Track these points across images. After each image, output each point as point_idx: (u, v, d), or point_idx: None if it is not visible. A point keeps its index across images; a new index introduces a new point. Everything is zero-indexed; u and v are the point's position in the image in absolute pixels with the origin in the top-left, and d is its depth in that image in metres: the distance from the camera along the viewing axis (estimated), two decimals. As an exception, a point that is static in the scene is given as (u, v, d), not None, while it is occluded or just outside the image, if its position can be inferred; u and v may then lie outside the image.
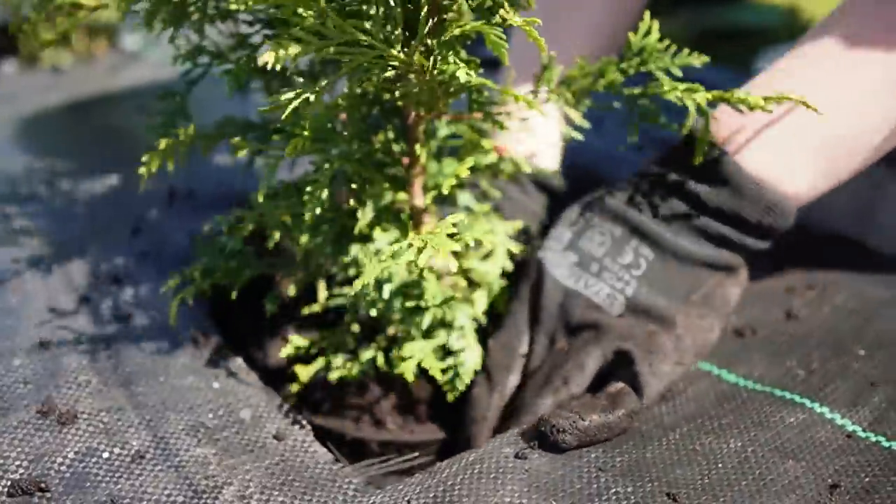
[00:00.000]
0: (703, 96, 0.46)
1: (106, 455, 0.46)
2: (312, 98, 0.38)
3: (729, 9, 1.36)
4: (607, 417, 0.45)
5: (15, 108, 1.01)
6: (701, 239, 0.52)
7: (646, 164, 0.55)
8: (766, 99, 0.45)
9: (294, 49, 0.34)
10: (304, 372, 0.54)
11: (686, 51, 0.48)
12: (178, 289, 0.53)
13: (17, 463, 0.45)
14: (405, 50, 0.38)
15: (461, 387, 0.53)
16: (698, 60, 0.48)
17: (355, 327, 0.56)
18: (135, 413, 0.50)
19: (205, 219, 0.71)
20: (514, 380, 0.52)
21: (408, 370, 0.50)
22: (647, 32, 0.47)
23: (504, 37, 0.41)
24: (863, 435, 0.45)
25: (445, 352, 0.53)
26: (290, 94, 0.38)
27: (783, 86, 0.49)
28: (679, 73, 0.48)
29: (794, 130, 0.50)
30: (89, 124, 0.96)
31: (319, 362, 0.55)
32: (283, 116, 0.39)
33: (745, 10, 1.37)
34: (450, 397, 0.54)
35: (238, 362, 0.55)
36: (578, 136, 0.54)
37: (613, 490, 0.42)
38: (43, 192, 0.78)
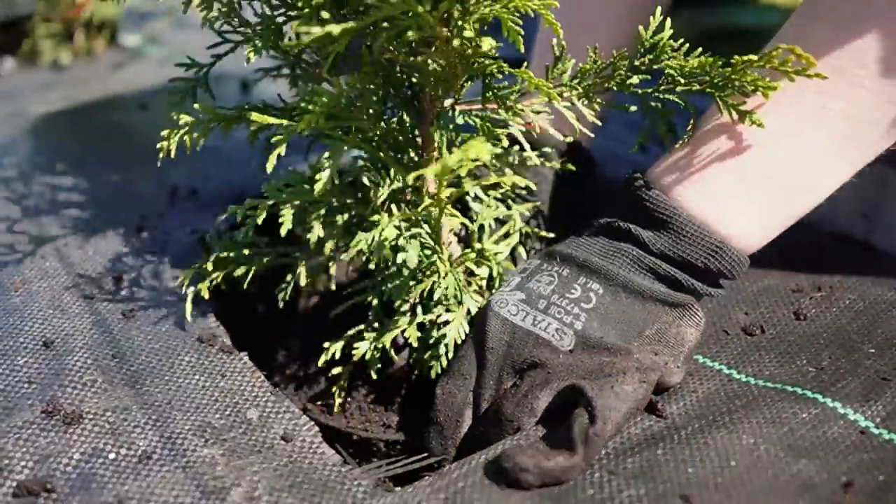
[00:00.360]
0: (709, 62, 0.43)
1: (112, 456, 0.45)
2: (337, 31, 0.37)
3: (730, 9, 1.36)
4: (572, 460, 0.42)
5: (15, 106, 1.00)
6: (652, 278, 0.50)
7: (594, 221, 0.53)
8: (768, 61, 0.42)
9: None
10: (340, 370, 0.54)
11: (699, 50, 0.47)
12: (192, 282, 0.53)
13: (23, 464, 0.44)
14: (433, 12, 0.38)
15: (441, 364, 0.52)
16: (711, 60, 0.47)
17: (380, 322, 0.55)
18: (141, 413, 0.49)
19: (208, 218, 0.71)
20: (465, 426, 0.50)
21: (387, 340, 0.50)
22: (660, 28, 0.47)
23: (520, 21, 0.41)
24: (876, 431, 0.45)
25: (431, 326, 0.53)
26: (317, 29, 0.38)
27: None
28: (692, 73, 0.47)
29: (737, 170, 0.48)
30: (90, 122, 0.95)
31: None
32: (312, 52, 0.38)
33: (746, 11, 1.37)
34: (431, 374, 0.53)
35: (245, 360, 0.55)
36: (589, 134, 0.54)
37: (626, 493, 0.41)
38: (44, 192, 0.77)
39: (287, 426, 0.49)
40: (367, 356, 0.52)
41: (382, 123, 0.49)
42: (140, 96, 1.01)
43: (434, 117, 0.50)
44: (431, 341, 0.53)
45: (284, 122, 0.45)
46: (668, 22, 0.47)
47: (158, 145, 0.47)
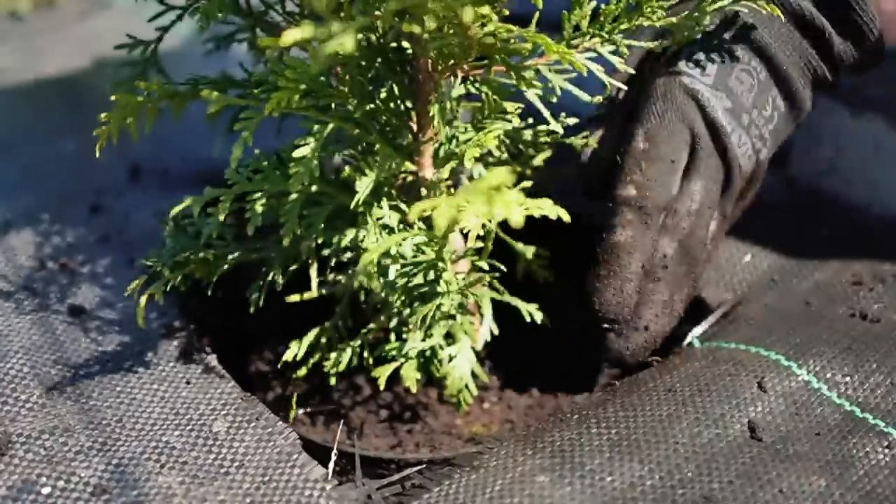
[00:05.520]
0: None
1: (46, 490, 0.38)
2: (348, 43, 0.29)
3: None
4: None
5: (-37, 61, 0.89)
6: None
7: None
8: None
9: None
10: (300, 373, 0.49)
11: None
12: (145, 285, 0.45)
13: (-67, 504, 0.37)
14: None
15: (466, 400, 0.46)
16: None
17: (345, 321, 0.50)
18: (85, 435, 0.42)
19: (173, 196, 0.62)
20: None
21: (383, 376, 0.44)
22: None
23: None
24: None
25: (432, 355, 0.47)
26: (310, 29, 0.29)
27: None
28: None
29: None
30: (44, 80, 0.85)
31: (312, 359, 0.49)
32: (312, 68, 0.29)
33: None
34: (459, 411, 0.47)
35: (212, 363, 0.48)
36: (622, 87, 0.45)
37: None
38: (-12, 160, 0.68)
39: (261, 436, 0.42)
40: (336, 366, 0.47)
41: (370, 101, 0.40)
42: (103, 51, 0.90)
43: (432, 91, 0.41)
44: (436, 372, 0.47)
45: (248, 102, 0.36)
46: None
47: (95, 132, 0.39)
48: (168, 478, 0.39)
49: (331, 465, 0.44)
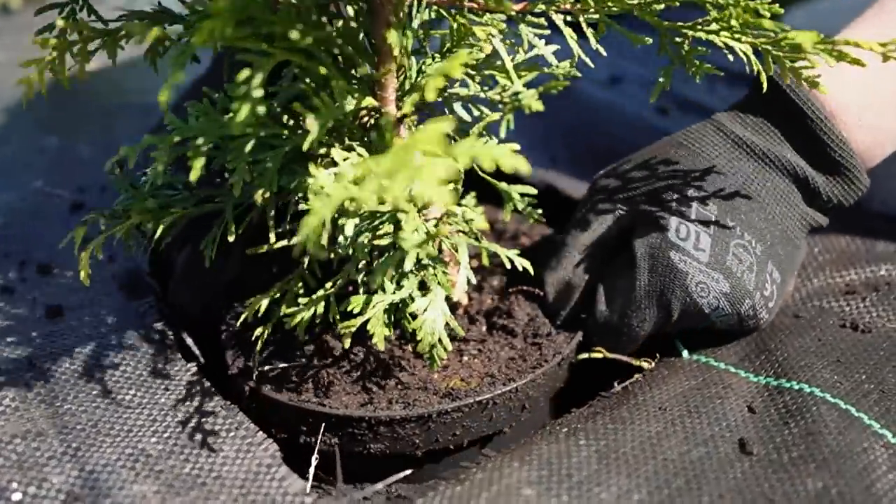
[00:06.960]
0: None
1: (17, 497, 0.37)
2: None
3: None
4: None
5: (-48, 56, 0.88)
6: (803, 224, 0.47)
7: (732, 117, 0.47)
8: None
9: None
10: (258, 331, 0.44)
11: None
12: (86, 240, 0.42)
13: None
14: None
15: (440, 355, 0.41)
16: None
17: (312, 272, 0.45)
18: (58, 440, 0.40)
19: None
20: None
21: (347, 333, 0.40)
22: None
23: None
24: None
25: (403, 307, 0.42)
26: None
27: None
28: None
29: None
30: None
31: (274, 315, 0.44)
32: None
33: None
34: (433, 367, 0.42)
35: (191, 369, 0.46)
36: (589, 63, 0.42)
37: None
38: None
39: (240, 446, 0.41)
40: (297, 320, 0.42)
41: (318, 29, 0.36)
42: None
43: (390, 13, 0.37)
44: (408, 325, 0.43)
45: (180, 34, 0.33)
46: None
47: (17, 81, 0.37)
48: (143, 486, 0.38)
49: (311, 469, 0.43)
